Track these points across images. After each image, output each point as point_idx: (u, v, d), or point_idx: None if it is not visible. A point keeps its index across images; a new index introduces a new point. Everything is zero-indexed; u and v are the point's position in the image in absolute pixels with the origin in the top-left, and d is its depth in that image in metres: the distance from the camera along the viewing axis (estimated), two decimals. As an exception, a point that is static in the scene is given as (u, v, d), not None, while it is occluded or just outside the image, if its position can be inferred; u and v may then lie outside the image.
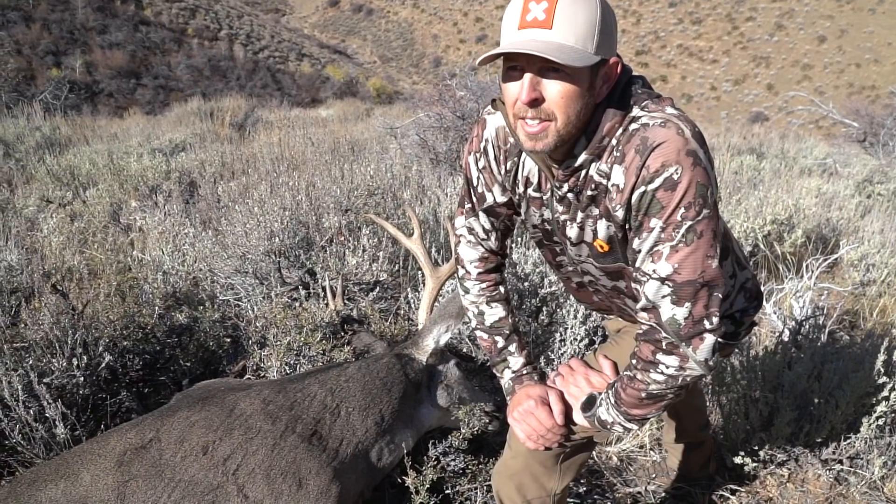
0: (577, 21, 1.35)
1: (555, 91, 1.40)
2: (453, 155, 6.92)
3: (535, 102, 1.41)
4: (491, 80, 7.86)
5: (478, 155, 1.79)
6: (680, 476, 2.63)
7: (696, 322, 1.44)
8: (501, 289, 1.95)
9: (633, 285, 1.54)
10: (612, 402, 1.63)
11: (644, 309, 1.50)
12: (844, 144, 12.42)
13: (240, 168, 6.88)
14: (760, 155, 10.19)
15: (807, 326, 3.19)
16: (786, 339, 3.17)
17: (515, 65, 1.41)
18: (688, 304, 1.43)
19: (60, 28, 43.43)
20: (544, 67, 1.38)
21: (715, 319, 1.45)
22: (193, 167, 7.20)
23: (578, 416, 1.74)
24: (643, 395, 1.55)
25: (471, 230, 1.91)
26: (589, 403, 1.71)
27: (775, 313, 3.72)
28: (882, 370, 2.52)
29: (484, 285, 1.92)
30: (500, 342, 1.89)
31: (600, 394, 1.71)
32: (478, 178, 1.82)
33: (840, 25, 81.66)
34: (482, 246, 1.91)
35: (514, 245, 3.74)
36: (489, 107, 1.74)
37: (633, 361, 1.56)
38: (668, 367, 1.49)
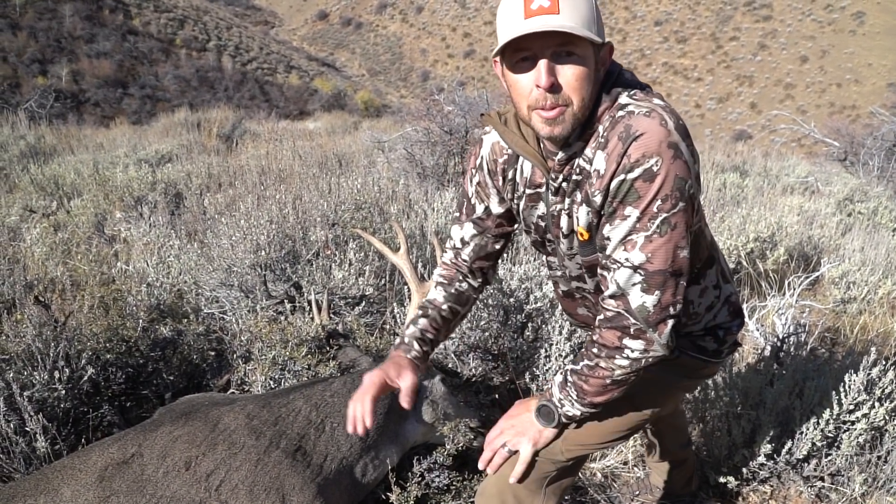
0: (579, 5, 1.40)
1: (570, 74, 1.43)
2: (440, 169, 6.95)
3: (554, 87, 1.43)
4: (478, 96, 7.90)
5: (474, 171, 1.86)
6: (663, 493, 2.64)
7: (663, 309, 1.49)
8: (458, 285, 1.96)
9: (600, 272, 1.56)
10: (574, 397, 1.65)
11: (613, 296, 1.53)
12: (826, 163, 12.57)
13: (226, 180, 6.87)
14: (744, 173, 10.31)
15: (789, 343, 3.22)
16: (768, 355, 3.20)
17: (526, 55, 1.44)
18: (657, 293, 1.47)
19: (47, 36, 43.23)
20: (557, 52, 1.41)
21: (679, 306, 1.51)
22: (180, 178, 7.16)
23: (527, 449, 1.75)
24: (608, 381, 1.58)
25: (458, 238, 1.97)
26: (547, 414, 1.73)
27: (758, 330, 3.75)
28: (862, 387, 2.54)
29: (443, 271, 1.98)
30: (415, 315, 1.91)
31: (548, 401, 1.72)
32: (474, 192, 1.88)
33: (822, 46, 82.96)
34: (458, 253, 1.96)
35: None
36: (485, 126, 1.80)
37: (595, 350, 1.58)
38: (633, 351, 1.53)
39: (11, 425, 2.27)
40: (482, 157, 1.83)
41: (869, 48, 79.51)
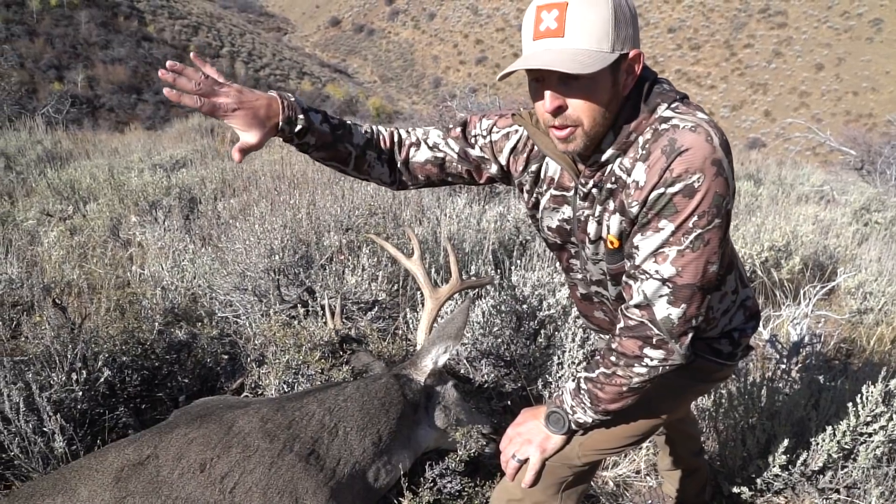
0: (589, 23, 1.37)
1: (577, 98, 1.44)
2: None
3: (560, 110, 1.45)
4: (491, 102, 7.91)
5: (498, 130, 1.81)
6: (676, 503, 2.62)
7: (688, 321, 1.50)
8: (378, 147, 1.84)
9: (625, 280, 1.56)
10: (588, 404, 1.65)
11: (638, 306, 1.52)
12: (841, 172, 12.51)
13: (240, 185, 6.90)
14: (758, 181, 10.26)
15: (804, 354, 3.20)
16: (783, 366, 3.18)
17: (538, 76, 1.45)
18: (683, 305, 1.48)
19: (63, 43, 43.75)
20: (563, 77, 1.40)
21: (701, 318, 1.52)
22: (194, 183, 7.21)
23: (535, 456, 1.75)
24: (625, 389, 1.58)
25: (433, 141, 1.88)
26: (557, 421, 1.73)
27: (772, 340, 3.73)
28: (880, 399, 2.52)
29: (394, 133, 1.87)
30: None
31: (558, 407, 1.72)
32: (483, 141, 1.83)
33: (838, 54, 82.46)
34: (423, 143, 1.87)
35: (512, 267, 3.75)
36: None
37: (613, 358, 1.58)
38: (652, 360, 1.53)
39: (30, 425, 2.30)
40: (518, 131, 1.78)
41: (886, 56, 78.91)
